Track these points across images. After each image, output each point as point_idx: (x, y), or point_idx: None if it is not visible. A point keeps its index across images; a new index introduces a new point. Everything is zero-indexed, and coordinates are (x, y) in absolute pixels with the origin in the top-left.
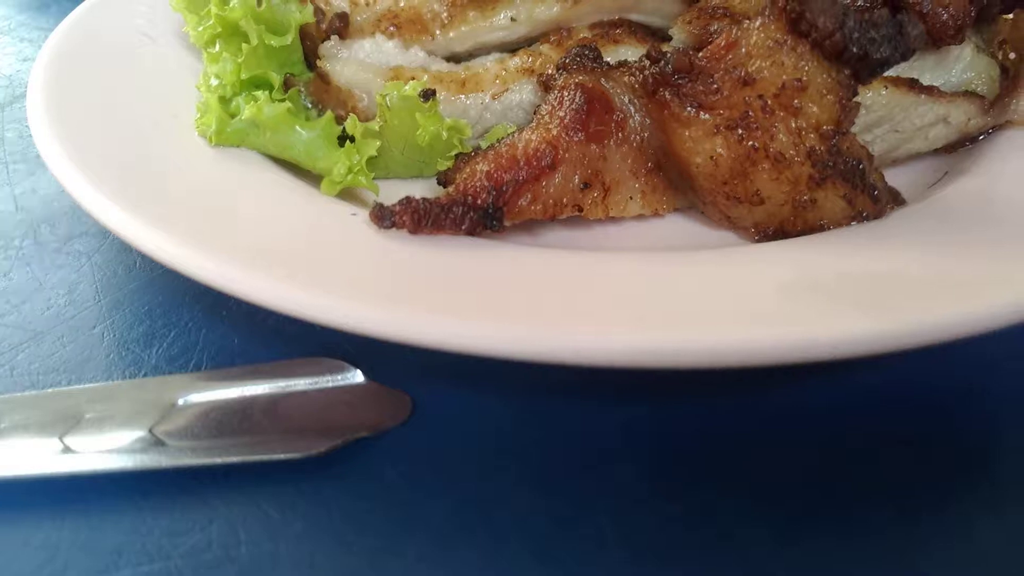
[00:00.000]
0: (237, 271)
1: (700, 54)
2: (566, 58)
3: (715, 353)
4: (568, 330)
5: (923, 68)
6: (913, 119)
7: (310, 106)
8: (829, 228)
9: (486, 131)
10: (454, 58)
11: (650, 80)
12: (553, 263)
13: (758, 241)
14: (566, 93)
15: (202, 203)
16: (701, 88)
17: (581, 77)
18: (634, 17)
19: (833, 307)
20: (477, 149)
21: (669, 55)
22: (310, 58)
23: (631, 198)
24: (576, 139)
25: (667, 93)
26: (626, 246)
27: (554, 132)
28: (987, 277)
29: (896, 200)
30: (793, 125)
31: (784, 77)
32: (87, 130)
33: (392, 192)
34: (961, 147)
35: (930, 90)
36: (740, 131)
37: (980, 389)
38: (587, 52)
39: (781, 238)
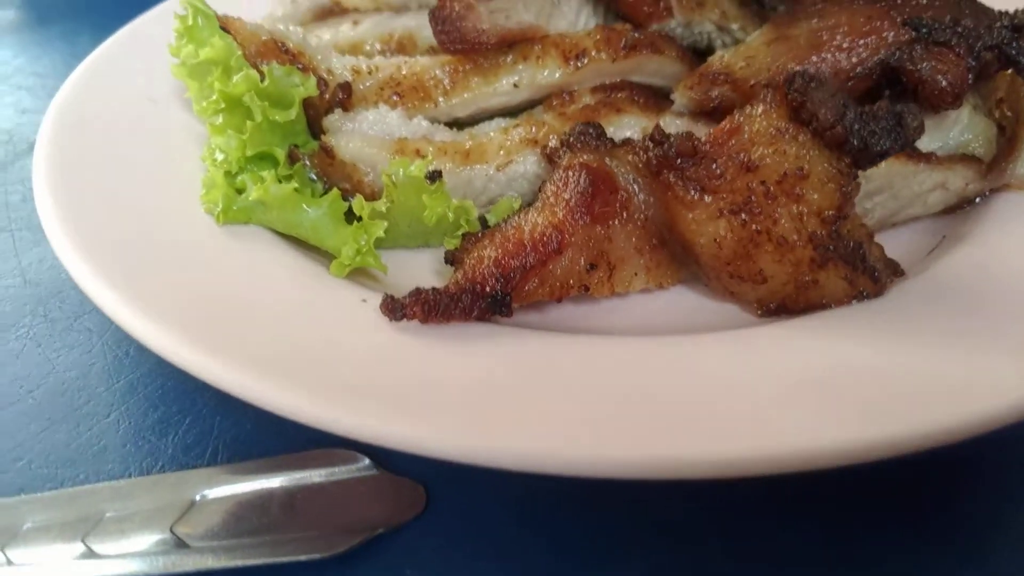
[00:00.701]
0: (252, 380)
1: (703, 138)
2: (570, 135)
3: (711, 467)
4: (563, 446)
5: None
6: (912, 186)
7: (315, 179)
8: (831, 306)
9: (491, 201)
10: (457, 123)
11: (654, 162)
12: (551, 358)
13: (761, 316)
14: (571, 174)
15: (210, 295)
16: (704, 172)
17: (585, 156)
18: (636, 79)
19: (831, 415)
20: (484, 228)
21: (672, 138)
22: (313, 127)
23: (636, 274)
24: (582, 222)
25: (671, 176)
26: (630, 319)
27: (560, 215)
28: (982, 375)
29: (895, 272)
30: (795, 210)
31: (786, 166)
32: (93, 213)
33: (399, 261)
34: (959, 209)
35: (928, 158)
36: (743, 215)
37: None
38: (591, 130)
39: (783, 313)
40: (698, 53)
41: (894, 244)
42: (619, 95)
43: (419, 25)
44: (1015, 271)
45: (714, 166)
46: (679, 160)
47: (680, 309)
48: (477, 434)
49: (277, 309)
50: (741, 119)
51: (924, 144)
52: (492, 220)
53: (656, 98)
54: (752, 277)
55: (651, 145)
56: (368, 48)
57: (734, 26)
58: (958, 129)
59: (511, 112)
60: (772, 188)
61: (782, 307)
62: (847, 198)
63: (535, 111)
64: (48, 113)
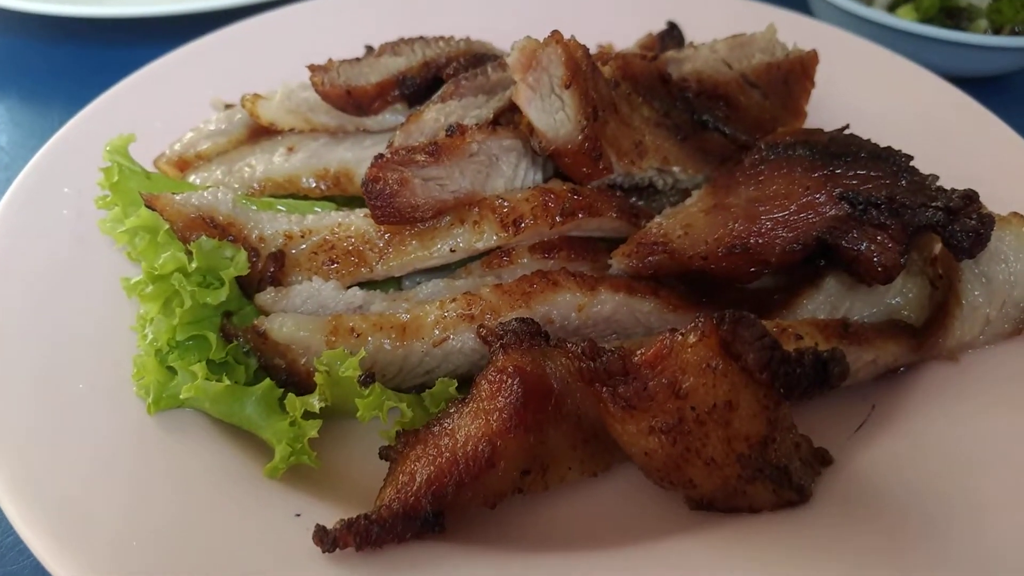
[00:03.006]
0: None
1: (635, 359)
2: (505, 331)
3: None
4: None
5: (856, 293)
6: None
7: (249, 355)
8: (759, 510)
9: (428, 372)
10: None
11: (587, 374)
12: None
13: (691, 509)
14: (505, 379)
15: (130, 518)
16: (635, 391)
17: (519, 358)
18: (575, 234)
19: None
20: (420, 428)
21: (604, 357)
22: (247, 290)
23: (569, 468)
24: (514, 434)
25: (603, 390)
26: (565, 513)
27: (493, 427)
28: None
29: (824, 461)
30: (723, 435)
31: (716, 398)
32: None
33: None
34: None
35: (859, 339)
36: (674, 434)
37: None
38: (526, 326)
39: (713, 510)
40: (639, 190)
41: (825, 413)
42: (559, 254)
43: (356, 159)
44: (929, 481)
45: (644, 388)
46: (611, 376)
47: (614, 496)
48: None
49: (201, 527)
50: (672, 345)
51: (859, 305)
52: (427, 402)
53: (594, 260)
54: (683, 483)
55: (584, 356)
56: (304, 183)
57: (675, 168)
58: (892, 291)
59: (450, 267)
60: (702, 415)
61: (712, 505)
62: (774, 426)
63: (472, 274)
64: None
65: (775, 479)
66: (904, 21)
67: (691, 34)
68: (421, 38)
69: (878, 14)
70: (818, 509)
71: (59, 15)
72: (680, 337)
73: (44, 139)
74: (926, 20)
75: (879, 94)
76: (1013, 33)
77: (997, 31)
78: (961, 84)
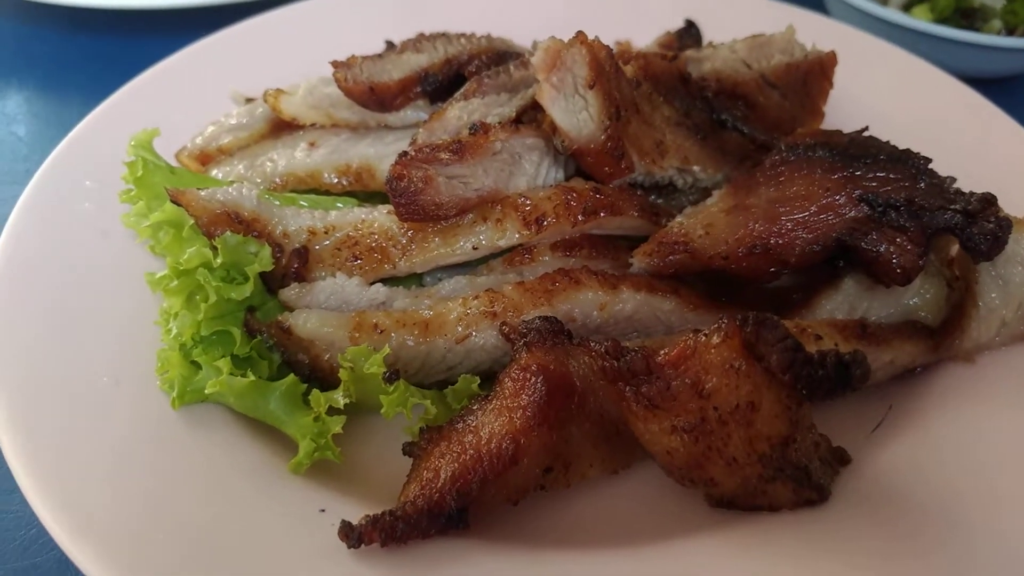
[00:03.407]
0: None
1: (658, 358)
2: (528, 329)
3: None
4: None
5: (874, 294)
6: None
7: (273, 350)
8: (778, 509)
9: (450, 368)
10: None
11: (610, 372)
12: None
13: (712, 506)
14: (528, 377)
15: (158, 514)
16: (658, 391)
17: (543, 356)
18: (596, 232)
19: None
20: (443, 425)
21: (628, 356)
22: (270, 285)
23: (591, 465)
24: (537, 432)
25: (626, 388)
26: (586, 510)
27: (517, 424)
28: None
29: (842, 461)
30: (745, 435)
31: (739, 399)
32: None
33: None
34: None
35: (877, 339)
36: (696, 434)
37: None
38: (549, 324)
39: (733, 508)
40: (659, 188)
41: (843, 413)
42: (580, 252)
43: (378, 155)
44: (946, 481)
45: (667, 387)
46: (634, 376)
47: (632, 493)
48: None
49: (225, 527)
50: (696, 345)
51: (878, 305)
52: (450, 398)
53: (615, 259)
54: (704, 482)
55: (607, 355)
56: (326, 178)
57: (695, 168)
58: (910, 293)
59: (471, 263)
60: (724, 415)
61: (732, 504)
62: (795, 426)
63: (494, 271)
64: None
65: (795, 478)
66: (918, 21)
67: (709, 32)
68: (443, 35)
69: (893, 14)
70: (837, 508)
71: (73, 6)
72: (703, 338)
73: (62, 129)
74: (941, 20)
75: (896, 95)
76: None
77: (1011, 31)
78: (974, 84)
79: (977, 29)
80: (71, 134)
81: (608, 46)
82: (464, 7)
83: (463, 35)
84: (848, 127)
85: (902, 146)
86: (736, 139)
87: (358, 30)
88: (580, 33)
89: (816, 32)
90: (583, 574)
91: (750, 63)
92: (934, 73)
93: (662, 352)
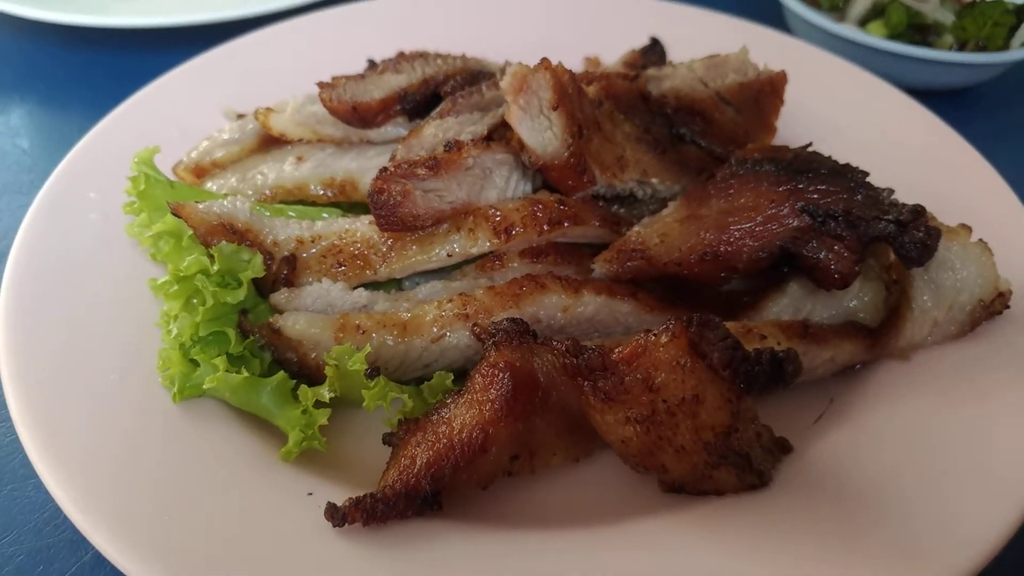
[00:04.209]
0: None
1: (613, 356)
2: (496, 330)
3: None
4: None
5: (817, 297)
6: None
7: (264, 349)
8: (724, 493)
9: (426, 366)
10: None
11: (570, 369)
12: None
13: (664, 491)
14: (496, 373)
15: (156, 494)
16: (613, 385)
17: (510, 354)
18: (561, 240)
19: None
20: (420, 417)
21: (586, 354)
22: (262, 289)
23: (554, 454)
24: (504, 422)
25: (584, 383)
26: (550, 494)
27: (486, 416)
28: None
29: (784, 449)
30: (692, 425)
31: (685, 392)
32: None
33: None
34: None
35: (818, 338)
36: (647, 424)
37: None
38: (516, 325)
39: (683, 492)
40: (621, 199)
41: (788, 407)
42: (546, 259)
43: (360, 168)
44: (882, 468)
45: (622, 382)
46: (591, 372)
47: (595, 475)
48: None
49: (221, 507)
50: (647, 344)
51: (819, 307)
52: (426, 393)
53: (578, 264)
54: (656, 468)
55: (567, 353)
56: (312, 190)
57: (654, 180)
58: (850, 295)
59: (446, 269)
60: (672, 407)
61: (682, 488)
62: (737, 417)
63: (467, 276)
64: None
65: (738, 465)
66: (872, 37)
67: (675, 47)
68: (421, 55)
69: (848, 30)
70: (778, 492)
71: (75, 24)
72: (653, 337)
73: (64, 142)
74: (895, 35)
75: (846, 108)
76: (977, 48)
77: (962, 46)
78: (928, 96)
79: (931, 44)
80: (75, 148)
81: (570, 71)
82: (442, 26)
83: (439, 55)
84: (802, 139)
85: (851, 157)
86: (694, 152)
87: (343, 47)
88: (544, 59)
89: (775, 49)
90: (546, 552)
91: (707, 82)
92: (883, 87)
93: (617, 350)
